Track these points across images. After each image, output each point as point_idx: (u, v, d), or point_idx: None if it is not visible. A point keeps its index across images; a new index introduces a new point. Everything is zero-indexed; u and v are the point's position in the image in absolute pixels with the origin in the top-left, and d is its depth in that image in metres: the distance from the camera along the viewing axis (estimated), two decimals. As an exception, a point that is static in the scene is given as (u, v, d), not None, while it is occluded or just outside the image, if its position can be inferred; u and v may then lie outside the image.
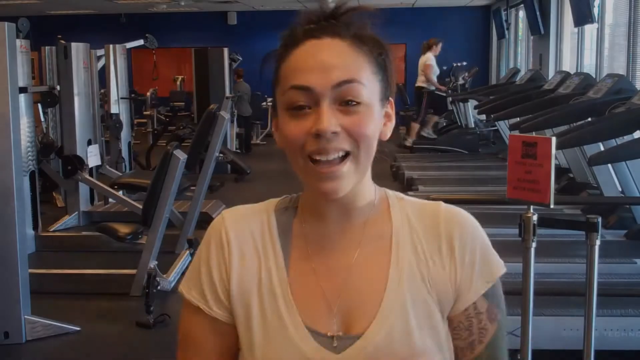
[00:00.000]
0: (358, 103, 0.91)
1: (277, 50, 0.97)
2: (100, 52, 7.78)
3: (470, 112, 10.12)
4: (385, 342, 0.93)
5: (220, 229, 1.02)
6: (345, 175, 0.91)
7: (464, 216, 1.00)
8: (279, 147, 0.96)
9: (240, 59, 10.56)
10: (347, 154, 0.91)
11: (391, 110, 0.98)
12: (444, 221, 0.99)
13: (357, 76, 0.91)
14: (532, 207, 2.23)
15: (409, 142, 10.29)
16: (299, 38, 0.94)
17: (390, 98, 0.98)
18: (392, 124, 0.99)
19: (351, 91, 0.90)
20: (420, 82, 10.59)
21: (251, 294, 0.98)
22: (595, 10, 7.47)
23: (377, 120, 0.94)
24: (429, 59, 10.46)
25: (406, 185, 6.88)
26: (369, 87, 0.92)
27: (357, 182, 0.94)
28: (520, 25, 12.32)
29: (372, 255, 0.98)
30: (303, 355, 0.94)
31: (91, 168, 6.23)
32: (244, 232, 1.01)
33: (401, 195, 1.04)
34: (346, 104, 0.90)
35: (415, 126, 10.53)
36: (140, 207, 4.77)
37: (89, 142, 6.47)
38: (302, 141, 0.91)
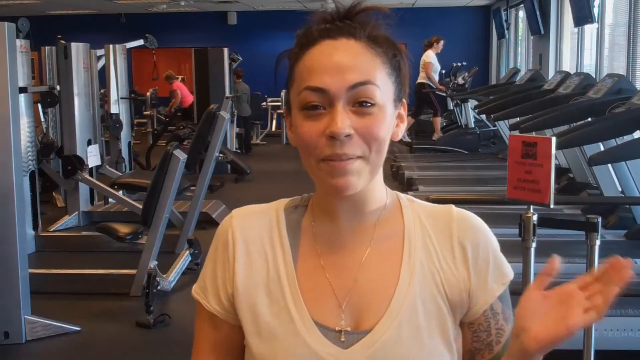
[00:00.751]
0: (372, 104, 0.91)
1: (291, 49, 0.97)
2: (100, 52, 7.77)
3: (471, 112, 10.13)
4: (394, 339, 0.94)
5: (227, 228, 1.03)
6: (356, 172, 0.91)
7: (476, 220, 1.01)
8: (292, 144, 0.97)
9: (241, 58, 10.55)
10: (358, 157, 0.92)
11: (404, 111, 0.99)
12: (456, 224, 0.99)
13: (371, 78, 0.91)
14: (532, 207, 2.23)
15: (435, 137, 10.36)
16: (314, 38, 0.94)
17: (403, 99, 0.98)
18: (404, 125, 0.99)
19: (366, 92, 0.91)
20: (421, 78, 10.58)
21: (259, 290, 0.99)
22: (595, 10, 7.46)
23: (390, 121, 0.95)
24: (428, 56, 10.46)
25: (406, 185, 6.87)
26: (383, 88, 0.92)
27: (368, 182, 0.94)
28: (520, 25, 12.32)
29: (383, 254, 0.98)
30: (310, 349, 0.94)
31: (91, 168, 6.22)
32: (251, 230, 1.02)
33: (412, 197, 1.05)
34: (360, 105, 0.91)
35: (437, 120, 10.59)
36: (140, 207, 4.77)
37: (89, 142, 6.47)
38: (316, 142, 0.91)
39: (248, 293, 0.99)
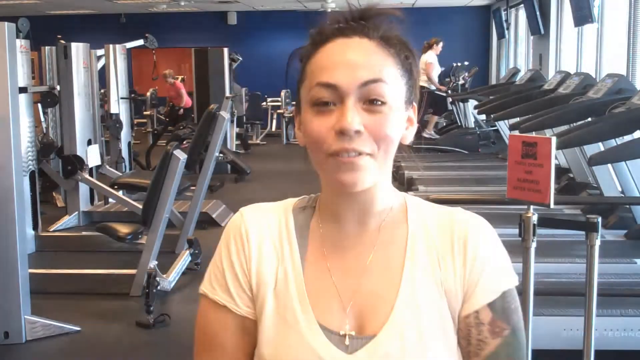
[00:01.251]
0: (383, 103, 0.91)
1: (304, 47, 0.97)
2: (100, 52, 7.77)
3: (470, 112, 10.12)
4: (397, 345, 0.93)
5: (239, 224, 1.02)
6: (363, 167, 0.91)
7: (480, 222, 1.00)
8: (300, 144, 0.96)
9: (241, 59, 10.54)
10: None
11: (414, 114, 0.99)
12: (458, 225, 0.98)
13: (383, 76, 0.91)
14: (532, 207, 2.23)
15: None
16: (328, 35, 0.94)
17: (413, 103, 0.98)
18: (413, 128, 0.99)
19: (377, 90, 0.91)
20: (422, 81, 10.57)
21: (267, 289, 0.98)
22: (595, 10, 7.46)
23: (400, 123, 0.95)
24: (430, 57, 10.46)
25: (406, 185, 6.86)
26: (394, 88, 0.92)
27: (375, 180, 0.94)
28: (521, 25, 12.32)
29: (387, 258, 0.98)
30: (314, 352, 0.94)
31: (91, 168, 6.23)
32: (262, 229, 1.01)
33: (420, 200, 1.04)
34: (371, 103, 0.91)
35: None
36: (140, 207, 4.77)
37: (89, 142, 6.47)
38: (325, 137, 0.91)
39: (259, 291, 0.98)
